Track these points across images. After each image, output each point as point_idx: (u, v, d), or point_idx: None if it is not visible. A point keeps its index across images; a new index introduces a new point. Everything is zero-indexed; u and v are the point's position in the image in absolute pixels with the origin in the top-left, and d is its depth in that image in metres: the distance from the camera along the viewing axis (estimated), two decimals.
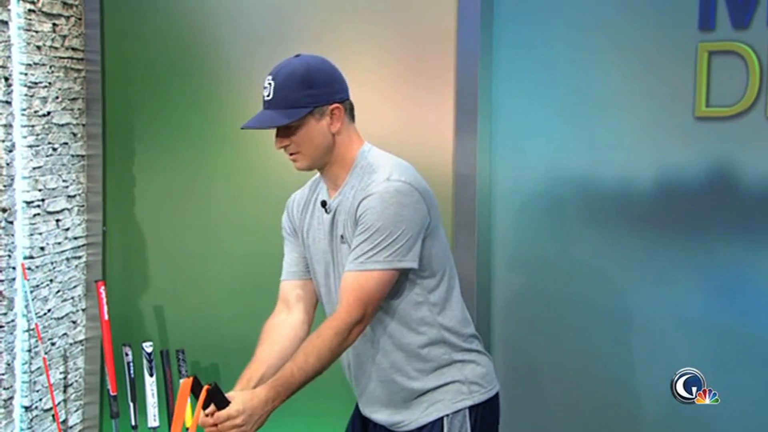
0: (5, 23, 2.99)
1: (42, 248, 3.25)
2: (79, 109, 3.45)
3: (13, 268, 3.09)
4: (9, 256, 3.05)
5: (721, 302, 2.83)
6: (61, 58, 3.32)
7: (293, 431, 3.23)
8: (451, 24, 3.04)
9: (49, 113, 3.26)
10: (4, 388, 3.06)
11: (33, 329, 3.19)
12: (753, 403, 2.79)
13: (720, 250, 2.82)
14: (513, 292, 3.10)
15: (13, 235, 3.07)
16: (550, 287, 3.04)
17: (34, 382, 3.24)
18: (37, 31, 3.17)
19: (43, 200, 3.24)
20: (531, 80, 3.00)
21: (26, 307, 3.16)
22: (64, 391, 3.46)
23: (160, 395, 3.39)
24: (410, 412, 2.06)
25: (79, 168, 3.48)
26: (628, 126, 2.90)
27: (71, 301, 3.47)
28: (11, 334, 3.09)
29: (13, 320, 3.09)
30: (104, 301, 3.36)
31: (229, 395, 1.87)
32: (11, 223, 3.06)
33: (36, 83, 3.17)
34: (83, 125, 3.49)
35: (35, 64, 3.17)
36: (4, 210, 3.02)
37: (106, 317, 3.37)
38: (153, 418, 3.37)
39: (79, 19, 3.43)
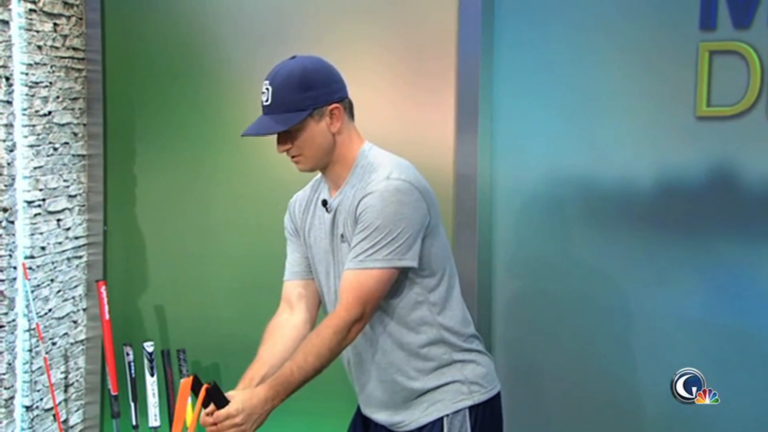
0: (6, 23, 2.99)
1: (43, 248, 3.25)
2: (80, 108, 3.46)
3: (14, 267, 3.09)
4: (10, 255, 3.05)
5: (722, 302, 2.83)
6: (62, 57, 3.33)
7: (294, 431, 3.23)
8: (451, 24, 3.04)
9: (50, 113, 3.26)
10: (5, 388, 3.07)
11: (34, 329, 3.19)
12: (753, 402, 2.79)
13: (720, 250, 2.82)
14: (514, 292, 3.10)
15: (14, 234, 3.07)
16: (550, 287, 3.04)
17: (35, 382, 3.24)
18: (38, 31, 3.17)
19: (44, 200, 3.24)
20: (532, 80, 3.00)
21: (27, 306, 3.16)
22: (65, 391, 3.46)
23: (161, 395, 3.39)
24: (410, 412, 2.06)
25: (80, 168, 3.48)
26: (629, 126, 2.90)
27: (72, 300, 3.48)
28: (12, 333, 3.09)
29: (14, 320, 3.09)
30: (105, 300, 3.36)
31: (228, 394, 1.87)
32: (12, 222, 3.06)
33: (37, 83, 3.18)
34: (84, 125, 3.49)
35: (36, 63, 3.17)
36: (5, 210, 3.02)
37: (107, 317, 3.37)
38: (154, 418, 3.37)
39: (80, 18, 3.43)
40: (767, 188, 2.75)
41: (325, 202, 2.06)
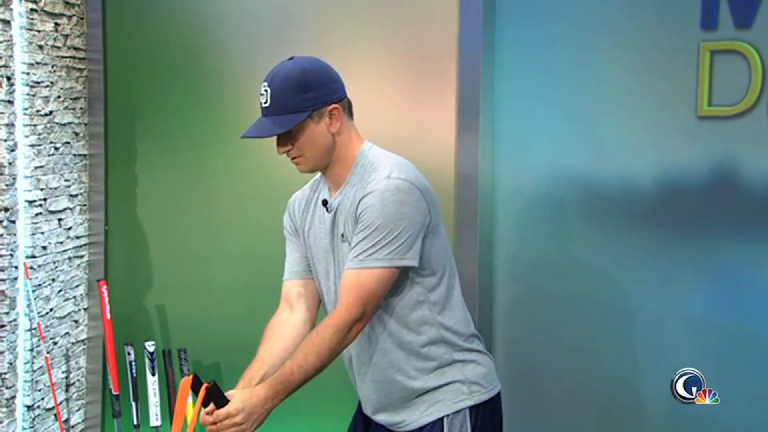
0: (7, 23, 2.99)
1: (44, 247, 3.26)
2: (81, 108, 3.46)
3: (15, 267, 3.09)
4: (11, 255, 3.06)
5: (723, 302, 2.83)
6: (63, 57, 3.33)
7: (295, 431, 3.23)
8: (453, 23, 3.04)
9: (51, 113, 3.26)
10: (7, 387, 3.07)
11: (35, 328, 3.19)
12: (754, 402, 2.79)
13: (722, 250, 2.81)
14: (514, 292, 3.10)
15: (15, 234, 3.07)
16: (551, 287, 3.04)
17: (36, 381, 3.24)
18: (39, 31, 3.17)
19: (45, 199, 3.24)
20: (533, 79, 3.00)
21: (28, 306, 3.16)
22: (66, 390, 3.47)
23: (162, 394, 3.39)
24: (410, 412, 2.06)
25: (81, 167, 3.48)
26: (631, 125, 2.90)
27: (73, 300, 3.48)
28: (13, 333, 3.09)
29: (15, 319, 3.10)
30: (106, 300, 3.37)
31: (228, 394, 1.87)
32: (13, 222, 3.06)
33: (38, 83, 3.18)
34: (85, 125, 3.49)
35: (37, 63, 3.17)
36: (6, 209, 3.02)
37: (108, 316, 3.37)
38: (155, 418, 3.37)
39: (81, 18, 3.43)
40: None
41: (325, 202, 2.06)
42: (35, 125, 3.17)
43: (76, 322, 3.50)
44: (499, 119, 3.04)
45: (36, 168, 3.18)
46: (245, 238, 3.38)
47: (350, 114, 2.04)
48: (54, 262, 3.33)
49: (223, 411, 1.82)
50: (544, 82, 2.98)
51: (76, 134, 3.44)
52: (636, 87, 2.88)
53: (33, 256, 3.19)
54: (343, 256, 2.00)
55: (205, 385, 1.83)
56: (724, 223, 2.80)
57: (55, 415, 3.35)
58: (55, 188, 3.31)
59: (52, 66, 3.26)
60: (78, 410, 3.55)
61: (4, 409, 3.07)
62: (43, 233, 3.24)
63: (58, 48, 3.30)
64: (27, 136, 3.13)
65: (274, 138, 1.98)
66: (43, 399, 3.29)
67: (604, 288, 2.97)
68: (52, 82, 3.26)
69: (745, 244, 2.78)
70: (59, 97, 3.31)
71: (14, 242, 3.07)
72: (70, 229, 3.42)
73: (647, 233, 2.89)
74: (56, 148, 3.31)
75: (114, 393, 3.38)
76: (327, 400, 3.06)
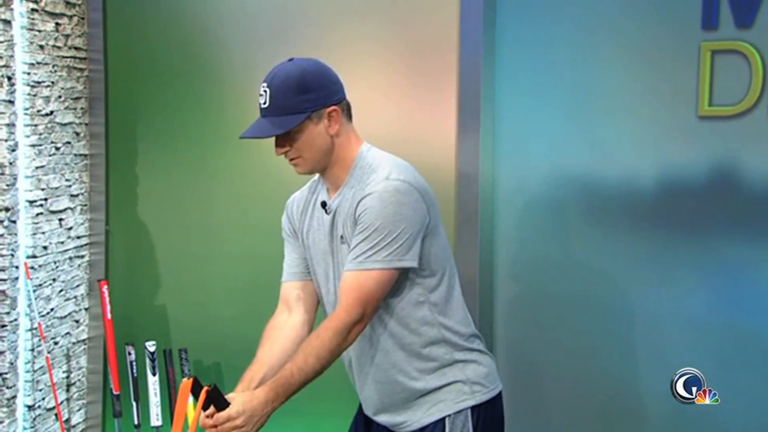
0: (8, 22, 2.99)
1: (45, 247, 3.26)
2: (81, 108, 3.46)
3: (16, 267, 3.09)
4: (12, 255, 3.06)
5: (723, 302, 2.83)
6: (63, 57, 3.33)
7: (294, 431, 3.23)
8: (453, 23, 3.04)
9: (51, 112, 3.26)
10: (8, 387, 3.07)
11: (36, 328, 3.19)
12: (754, 402, 2.79)
13: (723, 250, 2.81)
14: (515, 292, 3.10)
15: (16, 234, 3.07)
16: (552, 287, 3.04)
17: (37, 381, 3.24)
18: (40, 31, 3.17)
19: (45, 199, 3.25)
20: (533, 79, 3.00)
21: (29, 306, 3.16)
22: (67, 390, 3.47)
23: (163, 394, 3.39)
24: (412, 412, 2.06)
25: (81, 167, 3.48)
26: (631, 125, 2.90)
27: (74, 300, 3.48)
28: (14, 333, 3.09)
29: (16, 319, 3.10)
30: (107, 300, 3.37)
31: (228, 396, 1.87)
32: (14, 222, 3.06)
33: (39, 82, 3.18)
34: (86, 124, 3.49)
35: (38, 63, 3.17)
36: (7, 209, 3.02)
37: (109, 316, 3.37)
38: (156, 417, 3.37)
39: (82, 18, 3.43)
40: None
41: (324, 204, 2.06)
42: (36, 125, 3.17)
43: (76, 321, 3.51)
44: (500, 119, 3.04)
45: (37, 168, 3.18)
46: (246, 237, 3.38)
47: (349, 116, 2.04)
48: (55, 262, 3.33)
49: (223, 414, 1.82)
50: (545, 82, 2.98)
51: (77, 134, 3.44)
52: (637, 87, 2.88)
53: (34, 256, 3.19)
54: (342, 258, 2.00)
55: (205, 388, 1.82)
56: (725, 223, 2.80)
57: (55, 414, 3.36)
58: (56, 188, 3.31)
59: (53, 66, 3.26)
60: (79, 410, 3.56)
61: (5, 409, 3.07)
62: (43, 233, 3.24)
63: (59, 48, 3.30)
64: (28, 136, 3.13)
65: (274, 144, 1.98)
66: (43, 399, 3.29)
67: (605, 288, 2.97)
68: (52, 82, 3.26)
69: (745, 244, 2.78)
70: (60, 97, 3.31)
71: (15, 242, 3.07)
72: (70, 229, 3.42)
73: (648, 233, 2.89)
74: (57, 148, 3.31)
75: (115, 393, 3.39)
76: (327, 401, 3.06)
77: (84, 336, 3.56)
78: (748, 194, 2.77)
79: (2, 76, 2.97)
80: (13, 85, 3.02)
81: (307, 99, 1.94)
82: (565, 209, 3.00)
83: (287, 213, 2.19)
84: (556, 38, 2.96)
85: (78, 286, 3.50)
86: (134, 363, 3.38)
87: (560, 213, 3.00)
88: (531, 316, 3.08)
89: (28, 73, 3.12)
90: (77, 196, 3.45)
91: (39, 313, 3.20)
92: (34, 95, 3.16)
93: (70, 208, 3.42)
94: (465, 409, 2.04)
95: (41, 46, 3.18)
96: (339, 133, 2.00)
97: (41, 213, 3.22)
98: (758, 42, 2.72)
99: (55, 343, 3.36)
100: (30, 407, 3.21)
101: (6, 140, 3.00)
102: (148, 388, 3.37)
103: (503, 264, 3.09)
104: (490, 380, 2.10)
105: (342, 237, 2.00)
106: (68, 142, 3.38)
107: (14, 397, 3.12)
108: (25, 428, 3.19)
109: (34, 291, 3.17)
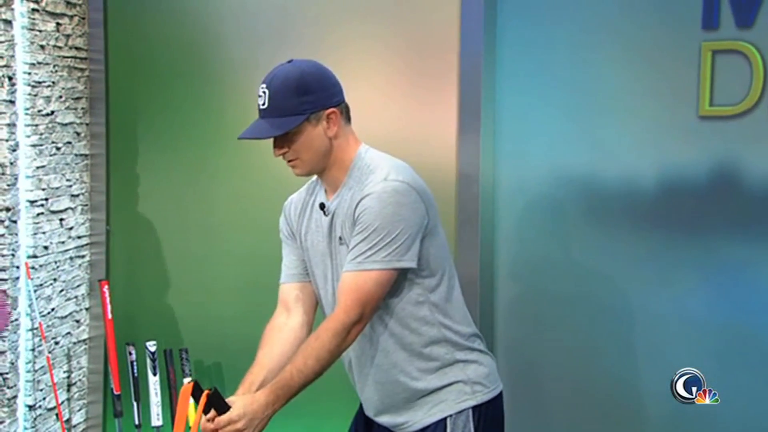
0: (9, 22, 2.99)
1: (45, 247, 3.26)
2: (82, 108, 3.46)
3: (17, 267, 3.09)
4: (13, 255, 3.06)
5: (724, 302, 2.83)
6: (64, 57, 3.33)
7: None
8: (454, 23, 3.04)
9: (52, 112, 3.27)
10: (8, 387, 3.07)
11: (37, 328, 3.19)
12: (754, 402, 2.79)
13: (723, 250, 2.81)
14: (516, 292, 3.10)
15: (16, 234, 3.08)
16: (552, 287, 3.04)
17: (38, 381, 3.25)
18: (40, 31, 3.17)
19: (46, 199, 3.25)
20: (534, 79, 3.00)
21: (30, 306, 3.16)
22: (68, 390, 3.47)
23: (164, 394, 3.39)
24: (413, 412, 2.06)
25: (82, 167, 3.48)
26: (632, 125, 2.90)
27: (75, 300, 3.48)
28: (15, 333, 3.09)
29: (16, 319, 3.10)
30: (108, 300, 3.37)
31: (229, 400, 1.86)
32: (15, 222, 3.06)
33: (39, 82, 3.18)
34: (87, 124, 3.49)
35: (39, 63, 3.17)
36: (7, 209, 3.02)
37: (110, 316, 3.37)
38: (156, 417, 3.37)
39: (83, 18, 3.44)
40: None
41: (322, 205, 2.06)
42: (37, 125, 3.17)
43: (77, 321, 3.51)
44: (501, 119, 3.04)
45: (37, 168, 3.18)
46: (247, 237, 3.38)
47: (348, 118, 2.04)
48: (55, 262, 3.33)
49: (224, 417, 1.82)
50: (546, 82, 2.98)
51: (78, 134, 3.44)
52: (637, 87, 2.88)
53: (34, 256, 3.19)
54: (341, 259, 2.00)
55: (206, 391, 1.82)
56: (725, 223, 2.80)
57: (56, 414, 3.36)
58: (57, 188, 3.31)
59: (54, 66, 3.26)
60: (79, 410, 3.56)
61: (5, 409, 3.07)
62: (44, 233, 3.24)
63: (60, 48, 3.30)
64: (28, 136, 3.14)
65: (272, 145, 1.98)
66: (44, 399, 3.30)
67: (605, 288, 2.97)
68: (53, 82, 3.26)
69: (745, 244, 2.78)
70: (61, 97, 3.31)
71: (16, 242, 3.08)
72: (71, 228, 3.43)
73: (648, 233, 2.89)
74: (58, 148, 3.31)
75: (115, 393, 3.39)
76: (327, 401, 3.06)
77: (85, 336, 3.56)
78: (749, 194, 2.77)
79: (3, 76, 2.98)
80: (13, 85, 3.02)
81: (306, 101, 1.94)
82: (566, 209, 3.00)
83: (285, 215, 2.18)
84: (556, 38, 2.96)
85: (79, 286, 3.50)
86: (135, 363, 3.38)
87: (561, 213, 3.00)
88: (531, 316, 3.08)
89: (29, 73, 3.12)
90: (78, 196, 3.46)
91: (40, 313, 3.20)
92: (35, 95, 3.16)
93: (71, 208, 3.42)
94: (466, 410, 2.03)
95: (42, 46, 3.19)
96: (337, 135, 2.00)
97: (42, 213, 3.22)
98: (759, 42, 2.72)
99: (56, 343, 3.36)
100: (31, 407, 3.21)
101: (7, 140, 3.00)
102: (149, 388, 3.37)
103: (504, 264, 3.09)
104: (491, 380, 2.09)
105: (340, 238, 2.00)
106: (69, 142, 3.38)
107: (15, 397, 3.12)
108: (25, 428, 3.19)
109: (35, 291, 3.17)
